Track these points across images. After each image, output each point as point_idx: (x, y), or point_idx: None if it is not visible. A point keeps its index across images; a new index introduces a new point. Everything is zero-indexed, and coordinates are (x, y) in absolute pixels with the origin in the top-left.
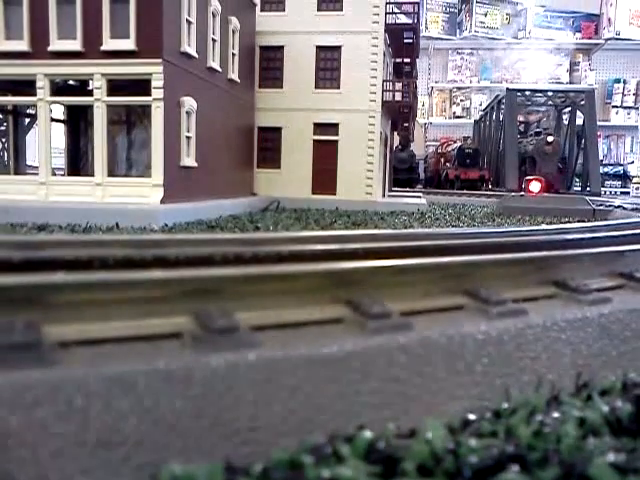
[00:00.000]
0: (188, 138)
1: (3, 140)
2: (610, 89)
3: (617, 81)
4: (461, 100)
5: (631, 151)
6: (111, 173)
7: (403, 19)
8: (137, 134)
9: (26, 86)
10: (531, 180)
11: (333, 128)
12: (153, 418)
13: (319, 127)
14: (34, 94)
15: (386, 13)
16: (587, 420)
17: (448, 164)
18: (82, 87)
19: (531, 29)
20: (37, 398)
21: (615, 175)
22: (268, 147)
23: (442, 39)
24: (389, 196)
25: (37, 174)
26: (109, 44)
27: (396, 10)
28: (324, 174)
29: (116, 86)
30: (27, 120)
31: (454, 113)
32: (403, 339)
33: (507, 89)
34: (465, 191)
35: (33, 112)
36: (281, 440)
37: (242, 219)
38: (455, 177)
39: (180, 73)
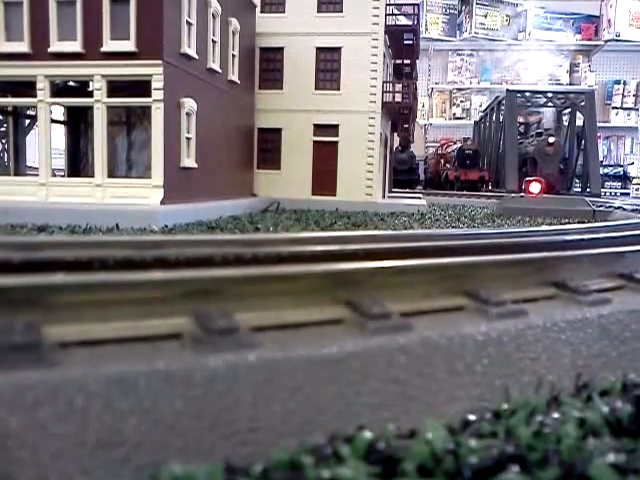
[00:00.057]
0: (188, 139)
1: (3, 141)
2: (610, 90)
3: (617, 82)
4: (461, 101)
5: (631, 152)
6: (111, 174)
7: (403, 20)
8: (137, 135)
9: (26, 87)
10: (531, 181)
11: (333, 129)
12: (153, 419)
13: (319, 128)
14: (34, 95)
15: (386, 14)
16: (587, 421)
17: (448, 165)
18: (82, 88)
19: (531, 30)
20: (37, 399)
21: (615, 176)
22: (268, 148)
23: (442, 40)
24: (389, 197)
25: (37, 175)
26: (109, 45)
27: (396, 11)
28: (324, 175)
29: (116, 87)
30: (27, 121)
31: (454, 114)
32: (403, 340)
33: (507, 90)
34: (465, 192)
35: (33, 113)
36: (281, 441)
37: (242, 220)
38: (455, 178)
39: (180, 74)
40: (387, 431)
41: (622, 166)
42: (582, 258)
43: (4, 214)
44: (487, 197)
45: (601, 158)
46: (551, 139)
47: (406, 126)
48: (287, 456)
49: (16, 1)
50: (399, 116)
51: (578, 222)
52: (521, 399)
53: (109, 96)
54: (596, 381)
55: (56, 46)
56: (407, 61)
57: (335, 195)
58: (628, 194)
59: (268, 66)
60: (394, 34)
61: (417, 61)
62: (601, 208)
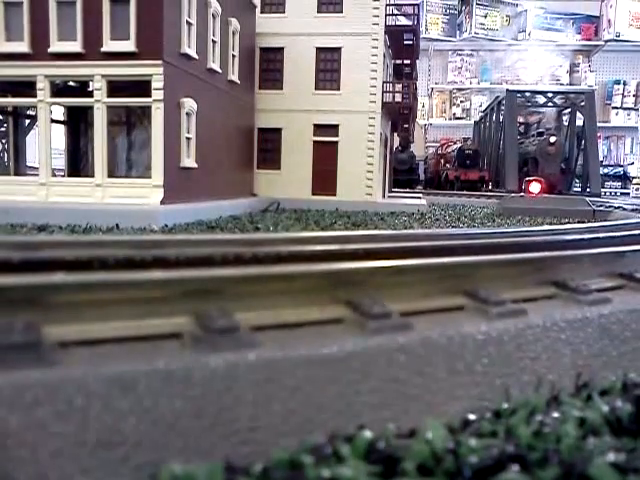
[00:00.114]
0: (188, 139)
1: (3, 141)
2: (610, 90)
3: (617, 82)
4: (461, 101)
5: (631, 152)
6: (111, 174)
7: (403, 21)
8: (137, 135)
9: (26, 87)
10: (531, 181)
11: (333, 129)
12: (153, 418)
13: (319, 128)
14: (34, 95)
15: (386, 15)
16: (587, 420)
17: (448, 165)
18: (82, 88)
19: (531, 31)
20: (37, 398)
21: (615, 176)
22: (268, 148)
23: (442, 40)
24: (389, 197)
25: (37, 175)
26: (109, 45)
27: (396, 12)
28: (324, 175)
29: (116, 87)
30: (27, 121)
31: (454, 114)
32: (403, 339)
33: (507, 90)
34: (465, 192)
35: (33, 113)
36: (281, 440)
37: (242, 220)
38: (455, 178)
39: (180, 74)
40: (387, 430)
41: (622, 166)
42: (582, 258)
43: (4, 214)
44: (487, 197)
45: (601, 158)
46: (553, 139)
47: (406, 126)
48: (287, 455)
49: (16, 1)
50: (399, 116)
51: (578, 222)
52: (521, 398)
53: (109, 96)
54: (596, 380)
55: (56, 46)
56: (407, 61)
57: (335, 195)
58: (628, 194)
59: (268, 66)
60: (394, 34)
61: (417, 61)
62: (601, 208)
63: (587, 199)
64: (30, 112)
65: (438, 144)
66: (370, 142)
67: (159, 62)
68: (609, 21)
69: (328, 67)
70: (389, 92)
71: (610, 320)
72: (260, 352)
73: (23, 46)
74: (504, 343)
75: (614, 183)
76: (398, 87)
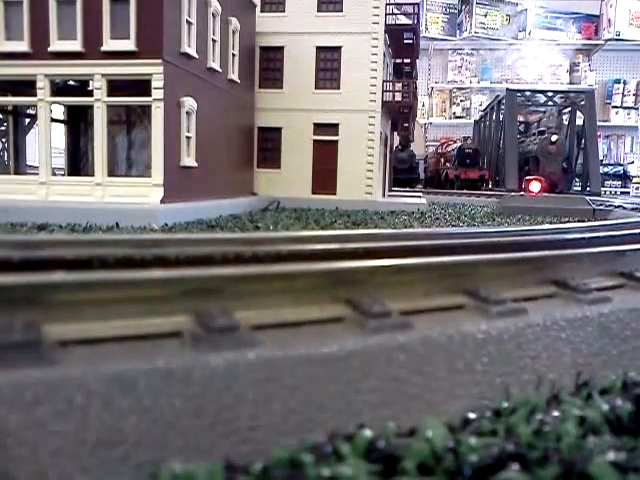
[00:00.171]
0: (188, 138)
1: (3, 140)
2: (610, 89)
3: (617, 81)
4: (461, 100)
5: (631, 151)
6: (111, 173)
7: (403, 20)
8: (137, 134)
9: (26, 86)
10: (531, 180)
11: (333, 128)
12: (153, 417)
13: (319, 127)
14: (34, 94)
15: (386, 14)
16: (587, 419)
17: (448, 164)
18: (82, 87)
19: (531, 30)
20: (37, 397)
21: (615, 175)
22: (268, 147)
23: (442, 39)
24: (389, 196)
25: (37, 174)
26: (109, 44)
27: (396, 11)
28: (324, 174)
29: (116, 86)
30: (27, 120)
31: (454, 113)
32: (403, 338)
33: (507, 89)
34: (465, 191)
35: (33, 112)
36: (281, 439)
37: (242, 219)
38: (455, 177)
39: (180, 73)
40: (387, 429)
41: (622, 165)
42: (582, 257)
43: (4, 213)
44: (487, 196)
45: (601, 157)
46: (554, 137)
47: (406, 125)
48: (287, 454)
49: (16, 0)
50: (399, 115)
51: (578, 221)
52: (521, 397)
53: (109, 95)
54: (596, 379)
55: (56, 45)
56: (407, 60)
57: (335, 194)
58: (628, 193)
59: (268, 65)
60: (394, 33)
61: (417, 60)
62: (601, 207)
63: (587, 198)
64: (30, 111)
65: (438, 143)
66: (370, 141)
67: (159, 61)
68: (609, 20)
69: (328, 66)
70: (389, 91)
71: (610, 319)
72: (260, 351)
73: (23, 45)
74: (504, 342)
75: (614, 182)
76: (398, 86)
